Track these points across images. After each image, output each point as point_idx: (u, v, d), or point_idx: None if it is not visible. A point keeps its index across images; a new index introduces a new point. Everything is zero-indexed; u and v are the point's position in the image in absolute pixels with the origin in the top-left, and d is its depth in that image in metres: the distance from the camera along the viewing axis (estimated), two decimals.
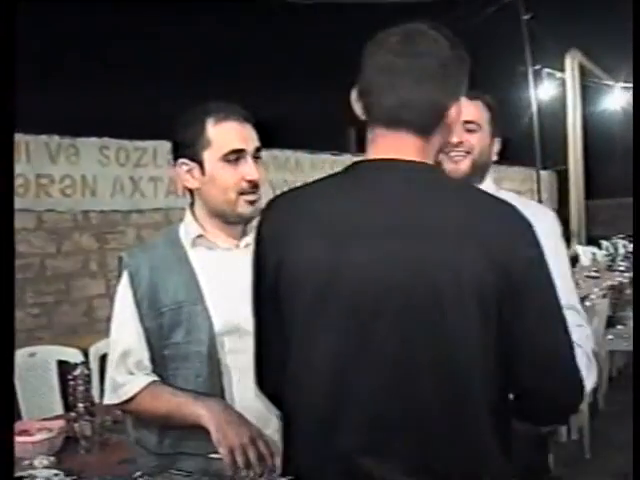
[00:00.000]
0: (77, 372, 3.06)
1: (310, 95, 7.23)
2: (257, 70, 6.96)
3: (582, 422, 5.34)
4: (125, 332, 2.27)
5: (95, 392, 3.91)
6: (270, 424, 2.20)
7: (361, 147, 3.00)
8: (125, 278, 2.29)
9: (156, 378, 2.24)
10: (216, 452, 2.09)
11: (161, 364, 2.25)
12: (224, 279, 2.26)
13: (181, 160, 2.28)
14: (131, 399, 2.24)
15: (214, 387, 2.20)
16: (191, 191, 2.32)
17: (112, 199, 6.91)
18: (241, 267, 2.22)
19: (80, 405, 3.02)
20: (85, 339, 5.25)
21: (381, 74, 1.69)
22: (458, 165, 2.47)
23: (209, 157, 2.22)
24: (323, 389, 1.70)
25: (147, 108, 6.48)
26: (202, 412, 2.11)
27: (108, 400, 2.32)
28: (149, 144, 7.20)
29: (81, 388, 3.06)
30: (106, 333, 5.04)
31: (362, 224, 1.67)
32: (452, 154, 2.45)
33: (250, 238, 2.29)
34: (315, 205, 1.76)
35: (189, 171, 2.26)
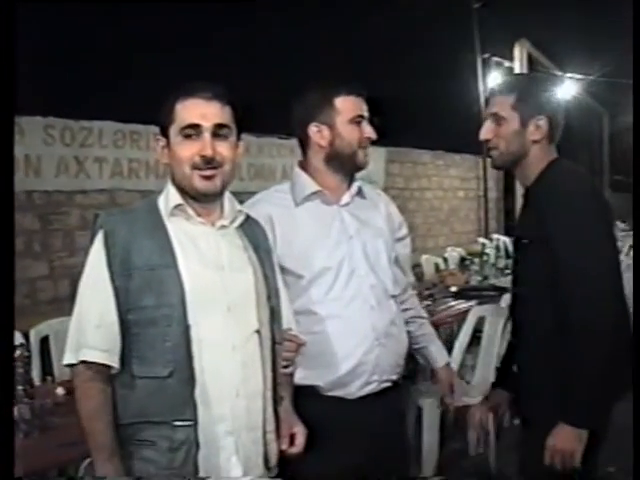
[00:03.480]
0: (16, 354, 3.02)
1: (257, 78, 7.18)
2: (203, 53, 6.89)
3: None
4: (95, 297, 2.23)
5: (35, 374, 3.86)
6: (226, 403, 2.25)
7: None
8: (100, 238, 2.25)
9: (115, 366, 2.21)
10: (181, 419, 2.15)
11: (124, 328, 2.22)
12: (198, 251, 2.30)
13: (157, 136, 2.36)
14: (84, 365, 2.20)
15: (182, 354, 2.19)
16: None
17: (56, 179, 6.79)
18: (213, 245, 2.33)
19: (19, 388, 2.98)
20: (26, 321, 5.17)
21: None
22: None
23: (172, 132, 2.30)
24: None
25: (95, 87, 6.38)
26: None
27: (74, 359, 2.24)
28: (95, 124, 7.10)
29: (20, 370, 3.02)
30: (48, 315, 4.98)
31: None
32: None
33: (226, 221, 2.37)
34: None
35: (163, 147, 2.34)
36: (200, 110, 2.27)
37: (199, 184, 2.28)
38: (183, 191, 2.31)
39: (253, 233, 2.47)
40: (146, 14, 6.35)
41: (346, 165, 2.89)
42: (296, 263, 2.81)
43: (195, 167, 2.26)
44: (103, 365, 2.20)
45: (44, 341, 4.56)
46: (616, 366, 2.50)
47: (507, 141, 2.72)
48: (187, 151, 2.26)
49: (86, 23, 6.20)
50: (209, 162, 2.26)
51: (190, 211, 2.32)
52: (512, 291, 2.90)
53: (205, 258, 2.29)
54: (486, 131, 2.77)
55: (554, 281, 2.56)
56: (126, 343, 2.22)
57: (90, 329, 2.21)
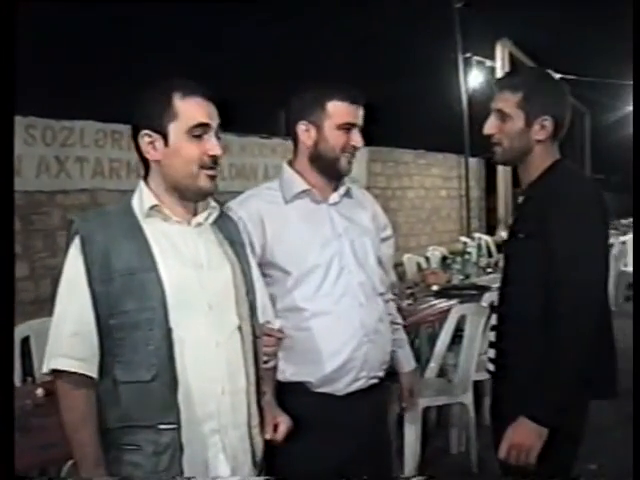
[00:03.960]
0: None
1: (240, 77, 7.17)
2: (185, 52, 6.88)
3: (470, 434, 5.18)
4: (72, 305, 2.20)
5: (16, 375, 3.83)
6: (212, 401, 2.24)
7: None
8: (76, 244, 2.20)
9: (92, 375, 2.19)
10: (166, 423, 2.14)
11: (106, 334, 2.19)
12: (177, 251, 2.27)
13: (144, 131, 2.26)
14: (60, 375, 2.18)
15: (164, 356, 2.17)
16: (146, 164, 2.31)
17: (37, 179, 6.77)
18: (191, 244, 2.30)
19: None
20: None
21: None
22: None
23: (174, 129, 2.23)
24: None
25: (77, 87, 6.36)
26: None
27: (45, 369, 2.22)
28: (76, 124, 7.08)
29: None
30: (29, 315, 4.95)
31: None
32: None
33: (201, 217, 2.35)
34: None
35: (151, 143, 2.26)
36: (206, 109, 2.25)
37: (205, 183, 2.26)
38: (175, 189, 2.28)
39: (227, 228, 2.45)
40: (128, 14, 6.34)
41: (328, 169, 2.88)
42: (286, 259, 2.81)
43: (203, 166, 2.24)
44: (84, 374, 2.18)
45: (25, 342, 4.53)
46: (592, 369, 2.49)
47: (511, 138, 2.68)
48: (195, 150, 2.23)
49: (68, 23, 6.17)
50: (216, 162, 2.26)
51: (166, 211, 2.29)
52: (500, 285, 2.84)
53: (184, 257, 2.27)
54: (490, 126, 2.72)
55: (545, 278, 2.54)
56: (109, 349, 2.19)
57: (65, 338, 2.18)
